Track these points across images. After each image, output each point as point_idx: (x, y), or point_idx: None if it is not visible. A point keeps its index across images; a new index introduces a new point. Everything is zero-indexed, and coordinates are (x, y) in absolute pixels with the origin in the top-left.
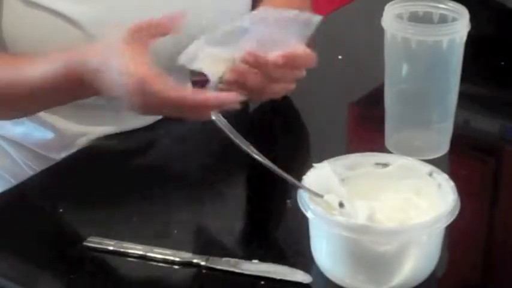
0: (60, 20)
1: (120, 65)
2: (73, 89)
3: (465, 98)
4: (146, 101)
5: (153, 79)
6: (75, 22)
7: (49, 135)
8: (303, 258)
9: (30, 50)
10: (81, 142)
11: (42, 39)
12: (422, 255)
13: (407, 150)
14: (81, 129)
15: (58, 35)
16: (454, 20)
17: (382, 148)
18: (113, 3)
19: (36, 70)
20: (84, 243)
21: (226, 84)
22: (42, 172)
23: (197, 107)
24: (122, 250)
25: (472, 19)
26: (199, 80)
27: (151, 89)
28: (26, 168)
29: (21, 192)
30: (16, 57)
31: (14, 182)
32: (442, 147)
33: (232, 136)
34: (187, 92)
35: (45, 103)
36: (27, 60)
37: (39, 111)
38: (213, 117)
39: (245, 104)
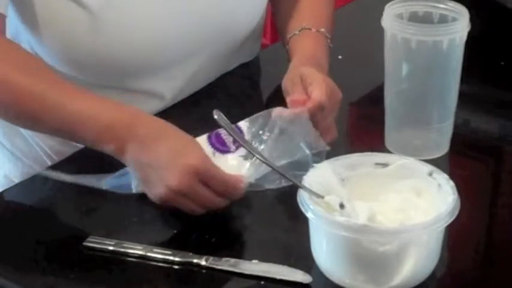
0: (68, 0)
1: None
2: (96, 139)
3: (465, 98)
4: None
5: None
6: (83, 4)
7: None
8: (303, 258)
9: (32, 29)
10: None
11: (46, 19)
12: (422, 255)
13: (407, 150)
14: None
15: (64, 16)
16: (454, 20)
17: (382, 148)
18: None
19: (77, 103)
20: (84, 243)
21: None
22: (42, 171)
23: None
24: (122, 250)
25: (472, 19)
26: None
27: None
28: (38, 149)
29: (21, 191)
30: (67, 84)
31: (25, 161)
32: (442, 147)
33: (234, 135)
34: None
35: (50, 129)
36: (77, 91)
37: (39, 131)
38: (215, 117)
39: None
